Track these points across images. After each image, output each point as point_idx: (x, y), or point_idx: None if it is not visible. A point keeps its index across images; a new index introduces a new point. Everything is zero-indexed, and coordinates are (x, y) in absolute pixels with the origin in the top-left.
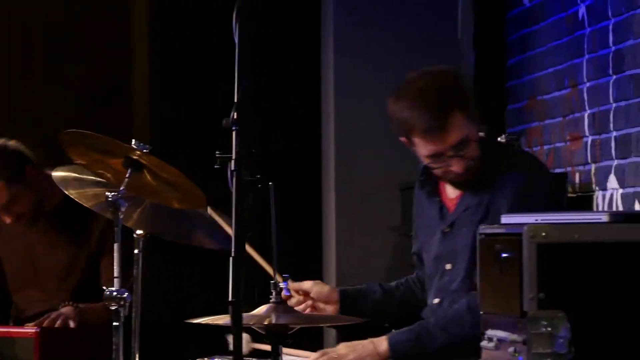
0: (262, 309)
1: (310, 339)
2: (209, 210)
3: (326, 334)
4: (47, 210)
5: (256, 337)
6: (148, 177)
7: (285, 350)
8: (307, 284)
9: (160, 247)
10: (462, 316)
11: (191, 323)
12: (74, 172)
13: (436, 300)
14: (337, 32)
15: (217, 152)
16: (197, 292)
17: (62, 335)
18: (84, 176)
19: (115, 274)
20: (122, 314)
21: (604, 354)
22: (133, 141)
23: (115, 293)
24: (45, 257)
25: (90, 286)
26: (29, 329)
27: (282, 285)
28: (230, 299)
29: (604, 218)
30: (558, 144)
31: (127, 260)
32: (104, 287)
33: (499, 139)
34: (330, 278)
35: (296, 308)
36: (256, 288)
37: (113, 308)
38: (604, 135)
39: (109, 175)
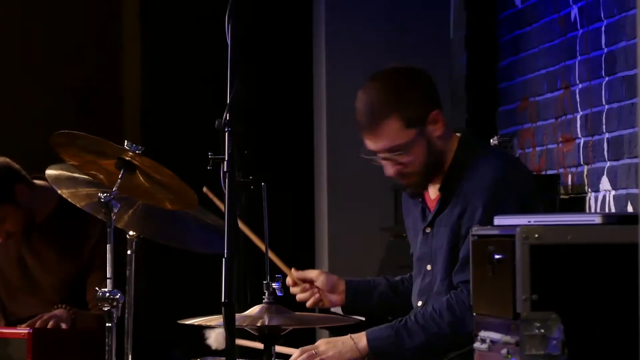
0: (254, 310)
1: (303, 340)
2: (205, 190)
3: (319, 335)
4: (39, 221)
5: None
6: (140, 178)
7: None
8: (312, 273)
9: (153, 248)
10: (441, 315)
11: (184, 324)
12: (67, 171)
13: (420, 303)
14: (329, 31)
15: (209, 154)
16: (190, 293)
17: (55, 336)
18: (77, 175)
19: (108, 275)
20: (114, 315)
21: (597, 356)
22: (125, 142)
23: (107, 294)
24: (37, 269)
25: (81, 298)
26: (22, 330)
27: (274, 285)
28: (223, 300)
29: (597, 220)
30: (550, 146)
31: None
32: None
33: (491, 140)
34: None
35: (299, 297)
36: (249, 289)
37: (106, 309)
38: (596, 137)
39: (101, 176)
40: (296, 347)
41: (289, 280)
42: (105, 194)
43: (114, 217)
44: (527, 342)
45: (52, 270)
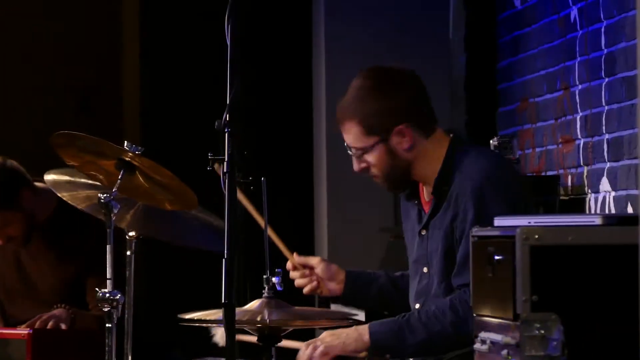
0: (254, 304)
1: (302, 337)
2: (216, 167)
3: (318, 333)
4: (38, 224)
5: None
6: (140, 178)
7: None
8: (313, 260)
9: (153, 248)
10: (444, 313)
11: (184, 325)
12: (66, 175)
13: (417, 305)
14: (329, 31)
15: (209, 154)
16: (190, 294)
17: (55, 337)
18: (76, 179)
19: (108, 276)
20: (114, 316)
21: (597, 357)
22: (125, 143)
23: (107, 294)
24: (35, 271)
25: (80, 300)
26: (22, 330)
27: (274, 280)
28: (223, 300)
29: (597, 221)
30: (550, 147)
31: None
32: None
33: (490, 141)
34: None
35: (297, 282)
36: (248, 284)
37: (106, 310)
38: (596, 138)
39: (101, 176)
40: (295, 349)
41: (289, 265)
42: (105, 195)
43: (113, 218)
44: (527, 343)
45: (50, 273)
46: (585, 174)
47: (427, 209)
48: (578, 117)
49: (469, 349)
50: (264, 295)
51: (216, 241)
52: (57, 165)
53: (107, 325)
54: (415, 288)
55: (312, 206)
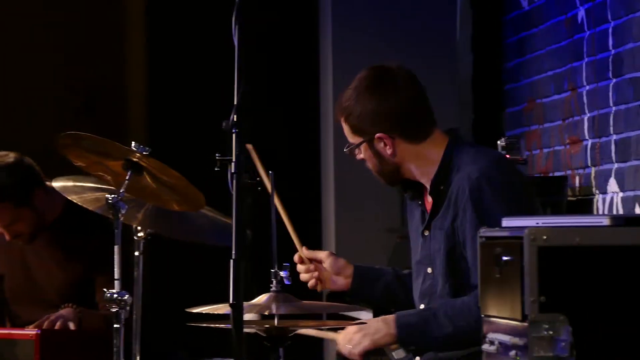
0: (262, 298)
1: (310, 341)
2: (249, 147)
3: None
4: (46, 223)
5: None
6: (148, 179)
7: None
8: (321, 254)
9: (161, 248)
10: (470, 308)
11: (192, 326)
12: (73, 181)
13: (422, 305)
14: (336, 31)
15: (217, 155)
16: (198, 294)
17: (63, 337)
18: (83, 183)
19: (116, 276)
20: (122, 316)
21: (606, 357)
22: (133, 143)
23: (115, 295)
24: (43, 272)
25: (87, 300)
26: (30, 331)
27: (282, 274)
28: (230, 301)
29: (605, 221)
30: (557, 147)
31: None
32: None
33: (498, 142)
34: None
35: (301, 277)
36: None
37: (114, 310)
38: (603, 139)
39: (108, 177)
40: (303, 349)
41: (296, 257)
42: (112, 196)
43: (121, 219)
44: (535, 344)
45: (57, 272)
46: (592, 174)
47: (429, 210)
48: (585, 118)
49: (477, 349)
50: (271, 290)
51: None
52: (63, 165)
53: (115, 325)
54: (419, 288)
55: (320, 206)
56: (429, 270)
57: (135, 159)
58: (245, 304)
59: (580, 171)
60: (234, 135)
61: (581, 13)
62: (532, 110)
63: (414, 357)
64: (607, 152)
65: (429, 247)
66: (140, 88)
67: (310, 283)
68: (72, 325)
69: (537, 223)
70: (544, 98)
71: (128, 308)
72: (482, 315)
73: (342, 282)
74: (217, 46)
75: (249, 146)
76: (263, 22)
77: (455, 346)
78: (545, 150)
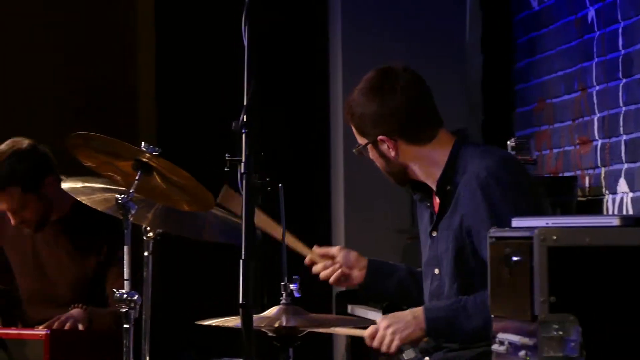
0: (272, 311)
1: (320, 341)
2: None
3: (336, 337)
4: (54, 220)
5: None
6: (158, 179)
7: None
8: (333, 249)
9: (170, 249)
10: None
11: (201, 325)
12: (82, 182)
13: None
14: (345, 34)
15: (226, 155)
16: (207, 294)
17: (72, 337)
18: (93, 184)
19: (125, 276)
20: (132, 316)
21: (615, 357)
22: (142, 144)
23: (125, 295)
24: (54, 268)
25: (99, 296)
26: (39, 331)
27: (292, 286)
28: (240, 301)
29: (615, 222)
30: (567, 148)
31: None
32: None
33: (508, 142)
34: None
35: (322, 274)
36: (265, 290)
37: (123, 310)
38: (613, 139)
39: (118, 177)
40: (312, 349)
41: (307, 260)
42: (122, 196)
43: (131, 219)
44: (545, 344)
45: (68, 268)
46: (602, 175)
47: (437, 210)
48: (595, 118)
49: (486, 349)
50: (281, 302)
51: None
52: (73, 165)
53: (124, 326)
54: (429, 289)
55: (329, 208)
56: (436, 271)
57: (145, 159)
58: (255, 316)
59: (590, 171)
60: (243, 136)
61: (591, 13)
62: (542, 111)
63: (424, 357)
64: (617, 153)
65: (436, 248)
66: (150, 88)
67: (334, 278)
68: (81, 327)
69: (547, 223)
70: (554, 98)
71: (137, 308)
72: (492, 316)
73: (356, 274)
74: (226, 46)
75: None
76: (273, 22)
77: (484, 338)
78: (555, 150)
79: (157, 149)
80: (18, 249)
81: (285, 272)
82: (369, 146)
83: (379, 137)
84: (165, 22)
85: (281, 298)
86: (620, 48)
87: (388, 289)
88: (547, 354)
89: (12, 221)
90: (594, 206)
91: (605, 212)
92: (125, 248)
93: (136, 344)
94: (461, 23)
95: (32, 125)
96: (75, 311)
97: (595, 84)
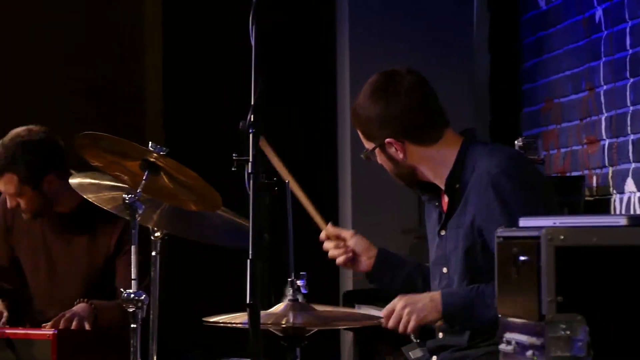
0: (279, 307)
1: (327, 339)
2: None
3: (343, 334)
4: (64, 212)
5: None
6: (165, 179)
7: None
8: (346, 232)
9: (178, 248)
10: None
11: (209, 325)
12: (90, 178)
13: None
14: (353, 33)
15: (233, 155)
16: (214, 294)
17: (79, 337)
18: (100, 181)
19: (133, 276)
20: (139, 316)
21: (623, 357)
22: (150, 143)
23: (132, 295)
24: (65, 263)
25: (108, 288)
26: (46, 331)
27: (299, 283)
28: (247, 301)
29: (623, 221)
30: (575, 147)
31: (142, 264)
32: (121, 289)
33: (515, 142)
34: (346, 278)
35: (331, 253)
36: (272, 288)
37: (131, 310)
38: (621, 139)
39: (125, 177)
40: (319, 349)
41: (322, 235)
42: (129, 196)
43: (138, 219)
44: (552, 344)
45: (79, 262)
46: (610, 174)
47: (445, 209)
48: (603, 118)
49: (493, 348)
50: (288, 298)
51: (242, 238)
52: (80, 164)
53: (132, 325)
54: (437, 289)
55: (337, 208)
56: (445, 270)
57: (152, 159)
58: (262, 313)
59: (598, 171)
60: (251, 135)
61: (599, 13)
62: (550, 110)
63: (431, 357)
64: (624, 152)
65: (444, 246)
66: (157, 88)
67: (342, 259)
68: (87, 326)
69: (555, 223)
70: (561, 98)
71: (145, 308)
72: (499, 315)
73: (365, 262)
74: (233, 46)
75: (262, 141)
76: (280, 22)
77: (496, 327)
78: (563, 150)
79: (164, 148)
80: (29, 246)
81: (292, 268)
82: (377, 150)
83: (387, 140)
84: (172, 22)
85: (288, 294)
86: (628, 47)
87: (395, 280)
88: (555, 354)
89: (8, 203)
90: (602, 206)
91: (612, 212)
92: (133, 248)
93: (144, 343)
94: (468, 23)
95: (41, 124)
96: (81, 308)
97: (602, 83)
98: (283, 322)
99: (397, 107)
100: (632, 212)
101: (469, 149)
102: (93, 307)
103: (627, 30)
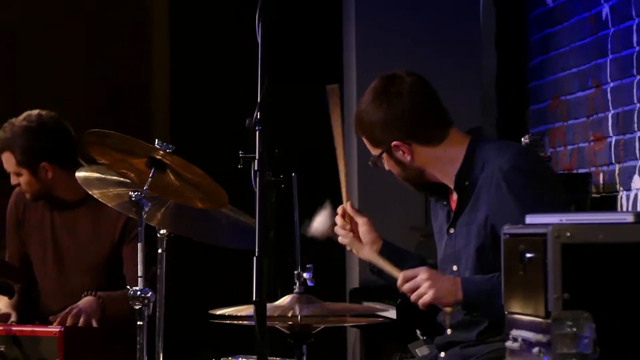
0: (285, 300)
1: (333, 338)
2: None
3: (349, 332)
4: (70, 201)
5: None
6: (171, 177)
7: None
8: (361, 219)
9: (184, 246)
10: None
11: (216, 322)
12: (97, 173)
13: (447, 308)
14: (359, 31)
15: (240, 152)
16: (221, 292)
17: (86, 334)
18: (107, 176)
19: (140, 274)
20: (146, 314)
21: (629, 354)
22: (156, 141)
23: (139, 292)
24: (73, 255)
25: (116, 276)
26: (53, 328)
27: (305, 276)
28: (254, 298)
29: (629, 218)
30: (582, 144)
31: (147, 254)
32: (128, 287)
33: (522, 139)
34: (353, 275)
35: (336, 229)
36: (278, 281)
37: (137, 307)
38: (627, 136)
39: (132, 174)
40: (326, 346)
41: (340, 209)
42: (136, 193)
43: (144, 216)
44: (558, 341)
45: (87, 252)
46: (616, 171)
47: (454, 207)
48: (610, 115)
49: (500, 345)
50: (295, 291)
51: (246, 239)
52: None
53: (138, 323)
54: None
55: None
56: (455, 268)
57: (158, 157)
58: (268, 305)
59: (604, 168)
60: (257, 133)
61: (605, 10)
62: (557, 108)
63: (439, 353)
64: (631, 149)
65: (454, 244)
66: (163, 86)
67: (343, 242)
68: (94, 323)
69: (561, 220)
70: (568, 95)
71: (151, 305)
72: (506, 312)
73: (366, 251)
74: (240, 44)
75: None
76: (286, 19)
77: None
78: (570, 147)
79: (170, 146)
80: (38, 238)
81: (299, 260)
82: (384, 155)
83: (393, 143)
84: (179, 20)
85: (295, 287)
86: (635, 45)
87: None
88: (561, 351)
89: (12, 181)
90: (608, 203)
91: (619, 209)
92: (139, 245)
93: (150, 341)
94: (475, 20)
95: None
96: (86, 301)
97: (609, 80)
98: (289, 315)
99: (400, 108)
100: (638, 209)
101: (477, 146)
102: (100, 301)
103: (634, 27)
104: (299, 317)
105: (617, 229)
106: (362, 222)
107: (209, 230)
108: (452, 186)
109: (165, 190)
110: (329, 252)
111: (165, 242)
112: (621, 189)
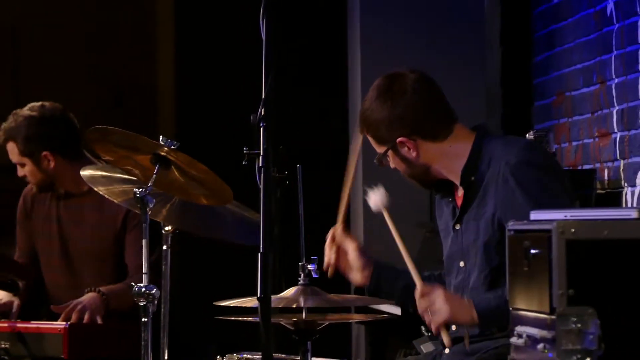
0: (290, 292)
1: (338, 333)
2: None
3: (354, 328)
4: (76, 192)
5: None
6: (176, 173)
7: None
8: (350, 245)
9: (189, 242)
10: None
11: (221, 319)
12: (102, 171)
13: None
14: (364, 27)
15: (244, 149)
16: (226, 288)
17: (90, 330)
18: (112, 174)
19: (144, 270)
20: (150, 310)
21: (634, 350)
22: (161, 137)
23: (144, 289)
24: (80, 248)
25: (119, 266)
26: (58, 325)
27: (310, 267)
28: (258, 295)
29: (634, 214)
30: (586, 141)
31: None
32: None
33: (527, 135)
34: None
35: (325, 251)
36: (283, 275)
37: (142, 304)
38: (632, 132)
39: (137, 171)
40: (330, 343)
41: (330, 233)
42: (140, 189)
43: (149, 212)
44: (563, 337)
45: (92, 244)
46: (621, 167)
47: (460, 203)
48: (614, 111)
49: (505, 341)
50: (299, 283)
51: (251, 235)
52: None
53: (143, 319)
54: (452, 284)
55: (349, 201)
56: (461, 263)
57: (163, 153)
58: (273, 297)
59: (609, 164)
60: (261, 129)
61: (610, 6)
62: (561, 104)
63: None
64: (636, 145)
65: (461, 240)
66: (168, 83)
67: (325, 265)
68: (99, 320)
69: (566, 216)
70: (573, 91)
71: (156, 302)
72: (511, 309)
73: (359, 278)
74: (245, 41)
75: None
76: (291, 15)
77: None
78: (574, 143)
79: (175, 142)
80: (46, 231)
81: (304, 252)
82: (390, 152)
83: (398, 140)
84: (184, 17)
85: (299, 279)
86: (639, 40)
87: (392, 293)
88: (566, 347)
89: (18, 172)
90: (613, 199)
91: (624, 205)
92: (144, 242)
93: (155, 337)
94: (480, 16)
95: None
96: (89, 297)
97: (614, 76)
98: (294, 306)
99: (405, 105)
100: None
101: (484, 142)
102: (104, 297)
103: (639, 23)
104: (303, 311)
105: (622, 225)
106: (351, 249)
107: (213, 227)
108: (457, 182)
109: (170, 187)
110: None
111: (170, 238)
112: (626, 185)
